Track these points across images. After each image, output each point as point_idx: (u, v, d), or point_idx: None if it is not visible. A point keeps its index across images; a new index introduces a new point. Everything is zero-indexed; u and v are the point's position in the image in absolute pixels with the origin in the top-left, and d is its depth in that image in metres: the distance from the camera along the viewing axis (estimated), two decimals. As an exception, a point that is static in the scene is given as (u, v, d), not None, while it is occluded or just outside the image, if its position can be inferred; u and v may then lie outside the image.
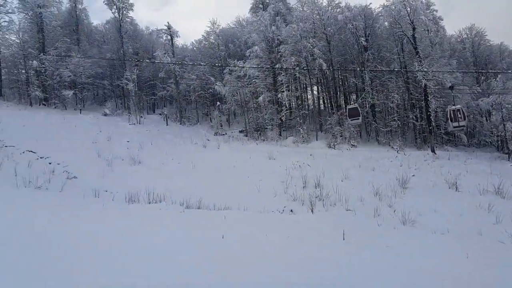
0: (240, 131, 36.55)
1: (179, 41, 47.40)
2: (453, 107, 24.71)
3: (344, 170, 19.55)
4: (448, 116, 24.58)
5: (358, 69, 35.31)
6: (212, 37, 45.15)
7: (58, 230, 7.87)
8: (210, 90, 39.99)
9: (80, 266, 5.62)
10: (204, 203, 12.78)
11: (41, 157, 18.84)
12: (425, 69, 31.20)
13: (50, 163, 17.90)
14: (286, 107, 36.15)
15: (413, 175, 19.20)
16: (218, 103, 38.85)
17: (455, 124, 24.17)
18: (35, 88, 34.73)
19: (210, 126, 37.71)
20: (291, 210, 13.52)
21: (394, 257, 7.69)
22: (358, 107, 26.24)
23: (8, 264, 5.38)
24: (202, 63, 40.74)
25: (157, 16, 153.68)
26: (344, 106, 38.54)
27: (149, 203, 12.75)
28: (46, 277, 5.04)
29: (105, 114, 33.50)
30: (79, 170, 17.38)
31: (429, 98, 32.03)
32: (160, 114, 39.12)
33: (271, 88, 37.08)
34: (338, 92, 40.92)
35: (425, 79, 31.47)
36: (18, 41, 37.60)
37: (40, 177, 14.16)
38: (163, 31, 42.52)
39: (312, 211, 13.07)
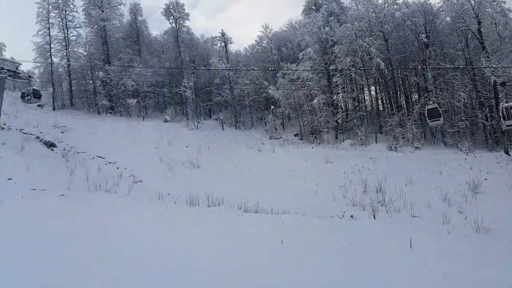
0: (295, 135, 36.30)
1: (232, 47, 48.30)
2: (506, 104, 22.67)
3: (408, 174, 18.57)
4: (500, 114, 22.51)
5: (419, 67, 33.61)
6: (264, 42, 45.45)
7: (126, 231, 8.29)
8: (264, 94, 40.20)
9: (137, 264, 5.84)
10: (261, 207, 12.83)
11: (109, 162, 20.10)
12: (494, 65, 28.94)
13: (117, 168, 19.03)
14: (342, 109, 35.38)
15: (485, 179, 17.79)
16: (272, 107, 38.96)
17: (509, 122, 22.14)
18: (102, 98, 37.12)
19: (264, 130, 37.89)
20: (352, 216, 13.14)
21: (466, 267, 7.12)
22: (439, 107, 24.68)
23: (82, 270, 5.69)
24: (256, 68, 41.13)
25: (211, 24, 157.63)
26: (405, 106, 36.89)
27: (209, 206, 13.06)
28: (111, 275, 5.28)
29: (166, 121, 34.94)
30: (143, 174, 18.28)
31: (499, 96, 29.62)
32: (216, 119, 40.02)
33: (325, 90, 36.47)
34: (398, 92, 39.22)
35: (494, 76, 29.16)
36: (86, 53, 40.55)
37: (109, 181, 15.08)
38: (218, 38, 43.55)
39: (374, 217, 12.59)
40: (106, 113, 37.07)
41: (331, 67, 35.19)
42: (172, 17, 43.87)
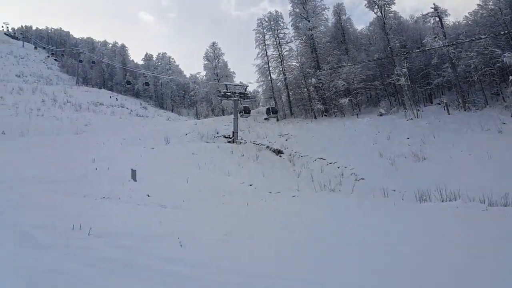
0: (551, 106, 28.56)
1: (449, 20, 42.31)
2: None
3: None
4: None
5: None
6: (491, 2, 37.85)
7: (363, 232, 8.18)
8: (498, 64, 33.40)
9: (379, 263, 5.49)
10: (512, 199, 10.51)
11: (330, 163, 20.79)
12: None
13: (338, 167, 19.46)
14: None
15: None
16: (510, 77, 31.96)
17: None
18: (316, 102, 39.08)
19: (503, 107, 31.33)
20: None
21: None
22: None
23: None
24: (482, 36, 34.77)
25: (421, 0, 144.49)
26: None
27: (442, 201, 11.64)
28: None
29: (381, 114, 33.69)
30: (364, 171, 18.02)
31: None
32: (438, 103, 35.81)
33: None
34: None
35: None
36: (298, 64, 43.82)
37: (332, 180, 15.49)
38: (430, 14, 38.96)
39: None
40: (322, 116, 38.77)
41: None
42: (376, 6, 42.23)
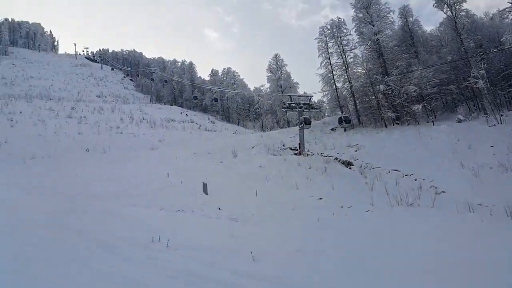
0: None
1: (532, 12, 38.53)
2: None
3: None
4: None
5: None
6: None
7: (449, 254, 7.54)
8: None
9: None
10: None
11: (405, 175, 19.63)
12: None
13: (415, 180, 18.31)
14: None
15: None
16: None
17: None
18: (386, 110, 37.30)
19: None
20: None
21: None
22: None
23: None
24: None
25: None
26: None
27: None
28: None
29: (459, 121, 31.21)
30: (445, 183, 16.79)
31: None
32: (525, 107, 32.51)
33: None
34: None
35: None
36: (364, 71, 42.38)
37: (409, 194, 14.56)
38: (507, 9, 35.48)
39: None
40: (393, 124, 36.97)
41: None
42: (445, 5, 39.74)
